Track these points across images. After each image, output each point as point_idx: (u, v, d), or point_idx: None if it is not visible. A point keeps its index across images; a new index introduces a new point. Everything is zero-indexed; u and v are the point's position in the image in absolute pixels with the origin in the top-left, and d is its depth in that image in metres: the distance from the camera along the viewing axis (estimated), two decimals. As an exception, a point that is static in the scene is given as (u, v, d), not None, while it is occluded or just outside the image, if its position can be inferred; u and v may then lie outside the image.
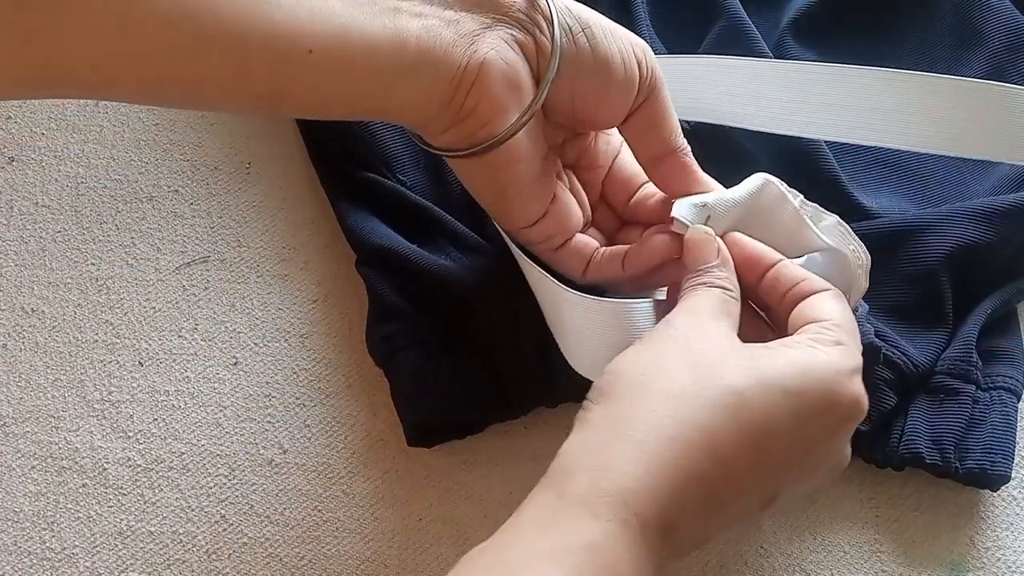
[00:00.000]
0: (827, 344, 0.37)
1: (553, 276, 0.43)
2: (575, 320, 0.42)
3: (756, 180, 0.43)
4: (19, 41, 0.32)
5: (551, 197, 0.43)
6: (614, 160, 0.46)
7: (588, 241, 0.44)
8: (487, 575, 0.32)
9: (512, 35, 0.39)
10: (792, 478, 0.37)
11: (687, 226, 0.41)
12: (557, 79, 0.40)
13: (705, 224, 0.41)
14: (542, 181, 0.42)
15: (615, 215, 0.46)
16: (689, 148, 0.43)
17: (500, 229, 0.45)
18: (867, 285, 0.43)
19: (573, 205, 0.44)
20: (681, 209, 0.41)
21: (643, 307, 0.42)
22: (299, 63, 0.36)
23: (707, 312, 0.38)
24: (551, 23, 0.39)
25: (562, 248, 0.44)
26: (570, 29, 0.40)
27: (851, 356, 0.38)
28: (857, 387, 0.37)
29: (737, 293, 0.40)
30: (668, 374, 0.35)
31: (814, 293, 0.40)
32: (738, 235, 0.42)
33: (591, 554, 0.32)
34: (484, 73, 0.38)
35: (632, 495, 0.33)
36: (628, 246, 0.44)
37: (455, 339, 0.46)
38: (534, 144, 0.41)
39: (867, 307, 0.45)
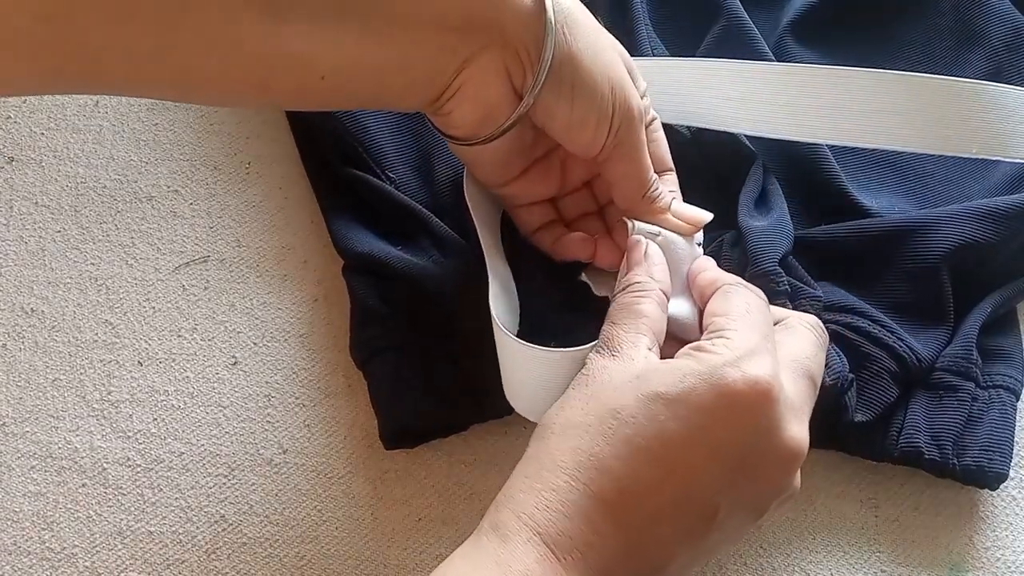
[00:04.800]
0: (713, 340, 0.37)
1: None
2: (525, 369, 0.42)
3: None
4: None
5: (527, 165, 0.45)
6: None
7: (549, 211, 0.47)
8: None
9: (502, 59, 0.39)
10: (728, 489, 0.36)
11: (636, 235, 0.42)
12: (540, 96, 0.40)
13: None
14: (519, 158, 0.44)
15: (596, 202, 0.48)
16: (675, 191, 0.45)
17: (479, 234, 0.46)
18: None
19: (549, 176, 0.46)
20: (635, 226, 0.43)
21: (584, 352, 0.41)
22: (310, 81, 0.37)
23: (618, 339, 0.38)
24: (544, 40, 0.39)
25: (525, 208, 0.46)
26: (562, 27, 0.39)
27: (741, 340, 0.37)
28: (752, 370, 0.35)
29: (654, 289, 0.40)
30: (566, 412, 0.37)
31: (716, 289, 0.41)
32: None
33: (501, 569, 0.34)
34: (463, 93, 0.39)
35: (529, 517, 0.34)
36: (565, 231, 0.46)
37: (434, 343, 0.46)
38: (515, 140, 0.42)
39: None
